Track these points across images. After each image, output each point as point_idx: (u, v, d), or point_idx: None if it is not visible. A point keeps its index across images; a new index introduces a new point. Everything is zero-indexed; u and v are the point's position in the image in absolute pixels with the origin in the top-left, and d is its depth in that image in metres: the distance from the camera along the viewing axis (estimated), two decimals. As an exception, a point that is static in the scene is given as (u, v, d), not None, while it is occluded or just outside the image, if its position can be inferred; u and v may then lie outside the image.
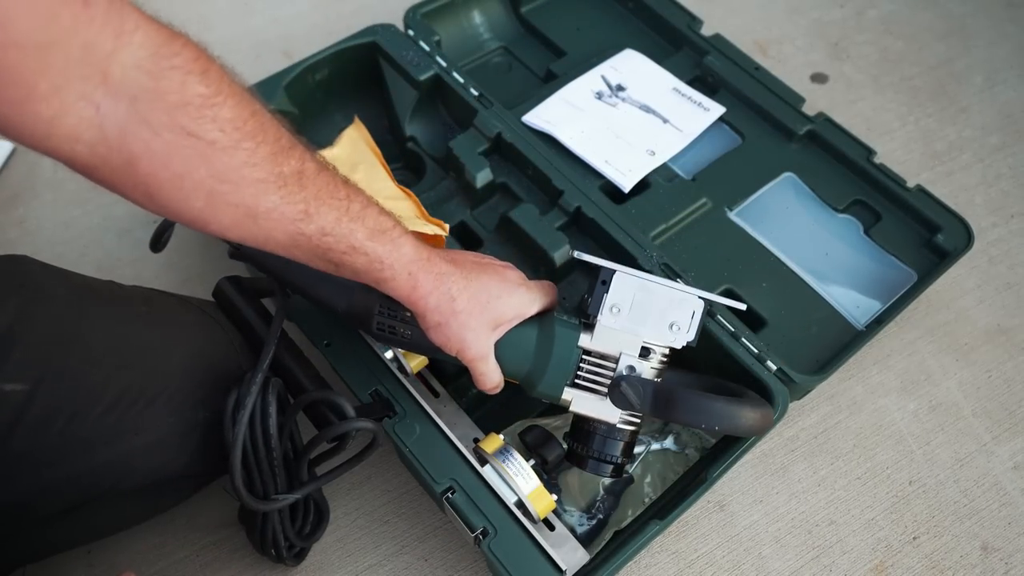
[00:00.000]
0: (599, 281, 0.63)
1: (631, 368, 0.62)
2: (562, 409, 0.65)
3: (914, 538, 0.76)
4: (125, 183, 0.45)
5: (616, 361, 0.63)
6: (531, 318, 0.64)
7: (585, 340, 0.63)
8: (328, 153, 0.77)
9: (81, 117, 0.41)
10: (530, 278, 0.67)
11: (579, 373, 0.63)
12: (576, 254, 0.65)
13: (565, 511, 0.72)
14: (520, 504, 0.64)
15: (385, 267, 0.55)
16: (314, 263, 0.55)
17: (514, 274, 0.64)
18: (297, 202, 0.49)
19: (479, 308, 0.60)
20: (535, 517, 0.65)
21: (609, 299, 0.62)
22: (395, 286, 0.57)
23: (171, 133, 0.43)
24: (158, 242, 0.69)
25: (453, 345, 0.60)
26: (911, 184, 0.85)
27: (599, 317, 0.62)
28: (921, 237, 0.84)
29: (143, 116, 0.42)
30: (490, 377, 0.63)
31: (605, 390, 0.63)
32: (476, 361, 0.61)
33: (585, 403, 0.63)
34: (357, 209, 0.53)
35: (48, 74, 0.39)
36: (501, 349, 0.62)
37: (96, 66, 0.40)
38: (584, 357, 0.63)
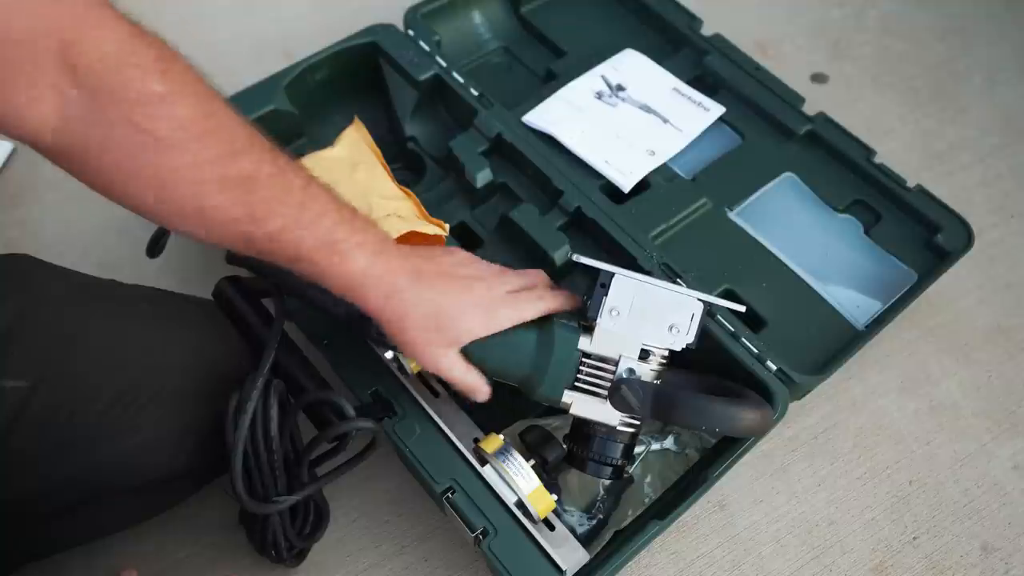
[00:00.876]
0: (598, 284, 0.63)
1: (631, 371, 0.62)
2: (562, 410, 0.65)
3: (914, 538, 0.76)
4: (86, 171, 0.47)
5: (616, 364, 0.63)
6: (531, 321, 0.63)
7: (584, 343, 0.63)
8: (328, 153, 0.78)
9: (51, 106, 0.43)
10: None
11: (579, 376, 0.63)
12: (575, 257, 0.65)
13: (565, 511, 0.72)
14: (520, 504, 0.64)
15: (327, 279, 0.55)
16: (274, 264, 0.55)
17: (482, 289, 0.61)
18: (242, 205, 0.50)
19: (431, 327, 0.58)
20: (535, 517, 0.65)
21: (608, 302, 0.62)
22: (352, 298, 0.57)
23: (124, 127, 0.45)
24: (155, 247, 0.69)
25: (417, 358, 0.61)
26: (911, 184, 0.85)
27: (598, 320, 0.62)
28: (921, 237, 0.84)
29: (102, 109, 0.44)
30: (467, 385, 0.62)
31: (605, 393, 0.63)
32: (444, 374, 0.61)
33: (585, 406, 0.63)
34: (309, 218, 0.53)
35: (26, 67, 0.42)
36: (500, 352, 0.62)
37: (68, 60, 0.43)
38: (584, 360, 0.63)
